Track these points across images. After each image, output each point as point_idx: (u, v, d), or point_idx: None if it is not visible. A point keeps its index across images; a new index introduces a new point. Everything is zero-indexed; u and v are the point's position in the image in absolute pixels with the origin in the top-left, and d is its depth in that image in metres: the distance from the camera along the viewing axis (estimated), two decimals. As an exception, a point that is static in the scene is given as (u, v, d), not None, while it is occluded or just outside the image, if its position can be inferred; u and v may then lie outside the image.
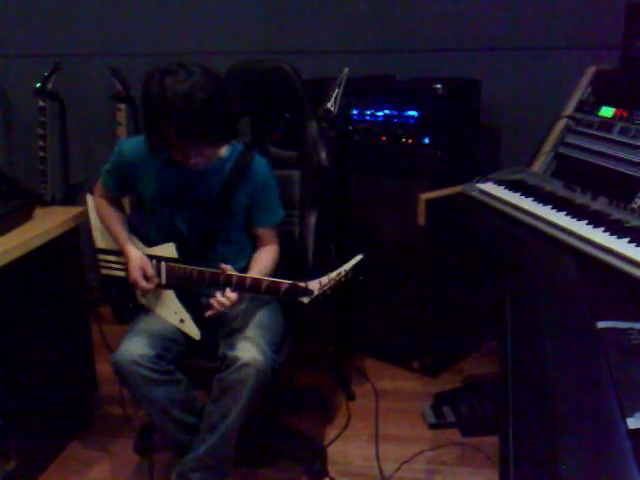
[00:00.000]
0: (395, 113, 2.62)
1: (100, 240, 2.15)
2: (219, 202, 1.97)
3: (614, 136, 2.00)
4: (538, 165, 2.21)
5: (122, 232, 2.06)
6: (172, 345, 1.94)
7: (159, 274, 2.00)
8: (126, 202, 2.28)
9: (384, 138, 2.65)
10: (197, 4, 3.10)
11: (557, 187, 2.05)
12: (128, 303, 2.09)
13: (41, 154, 3.09)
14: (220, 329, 2.00)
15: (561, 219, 1.81)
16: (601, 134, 2.05)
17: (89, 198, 2.15)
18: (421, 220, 2.44)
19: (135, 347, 1.86)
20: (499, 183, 2.15)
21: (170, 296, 2.00)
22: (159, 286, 2.00)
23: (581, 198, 1.93)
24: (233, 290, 1.83)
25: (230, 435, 1.90)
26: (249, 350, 1.83)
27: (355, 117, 2.71)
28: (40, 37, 3.24)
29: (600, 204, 1.86)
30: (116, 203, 2.13)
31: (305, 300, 1.75)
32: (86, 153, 3.37)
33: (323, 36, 2.99)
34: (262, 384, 1.84)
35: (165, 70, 1.74)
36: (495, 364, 2.69)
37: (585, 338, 1.24)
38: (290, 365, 2.10)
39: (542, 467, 0.99)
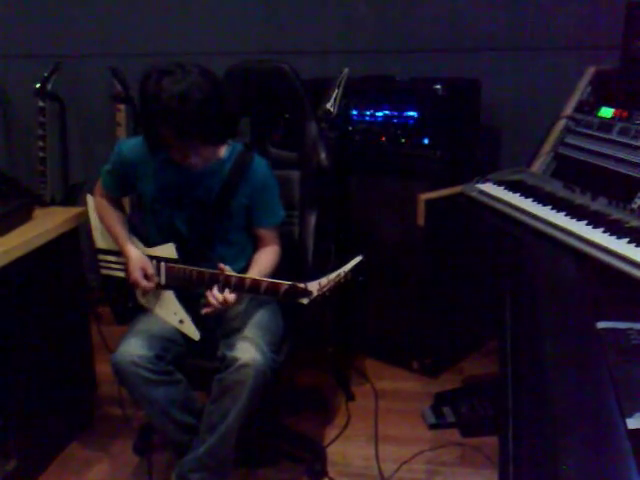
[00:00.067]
0: (395, 113, 2.62)
1: (100, 240, 2.15)
2: (218, 203, 1.97)
3: (614, 136, 2.00)
4: (538, 165, 2.20)
5: (122, 232, 2.06)
6: (171, 346, 1.94)
7: (159, 274, 2.00)
8: (126, 202, 2.29)
9: (384, 138, 2.65)
10: (197, 4, 3.10)
11: (557, 187, 2.05)
12: (128, 303, 2.09)
13: (41, 154, 3.09)
14: (219, 329, 2.00)
15: (561, 219, 1.81)
16: (601, 134, 2.05)
17: (89, 198, 2.16)
18: (421, 220, 2.44)
19: (134, 348, 1.86)
20: (499, 183, 2.15)
21: (170, 297, 1.99)
22: (159, 286, 2.00)
23: (581, 198, 1.93)
24: (232, 291, 1.83)
25: (230, 435, 1.90)
26: (248, 351, 1.83)
27: (355, 117, 2.71)
28: (40, 37, 3.24)
29: (600, 204, 1.86)
30: (116, 203, 2.13)
31: (304, 301, 1.75)
32: (86, 153, 3.37)
33: (323, 36, 2.99)
34: (261, 384, 1.83)
35: (162, 70, 1.74)
36: (495, 364, 2.69)
37: (585, 338, 1.24)
38: (290, 365, 2.10)
39: (542, 467, 0.99)
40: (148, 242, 2.06)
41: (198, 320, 1.96)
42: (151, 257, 2.01)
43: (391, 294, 2.76)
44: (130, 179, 2.03)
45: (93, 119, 3.32)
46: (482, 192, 2.13)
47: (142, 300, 2.06)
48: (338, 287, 1.74)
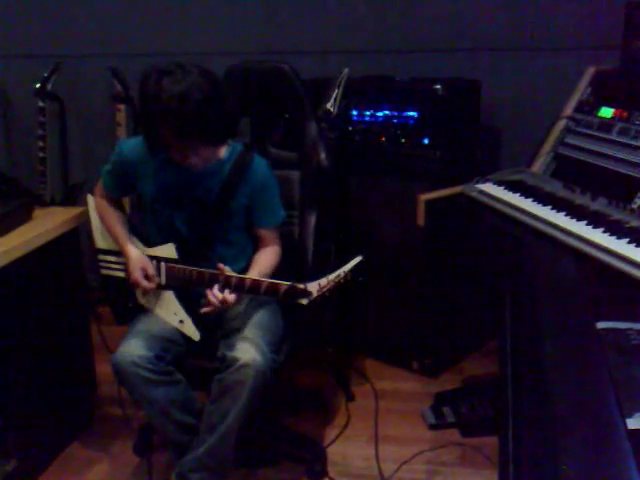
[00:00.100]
0: (395, 113, 2.62)
1: (101, 240, 2.15)
2: (218, 203, 1.97)
3: (614, 137, 2.00)
4: (538, 165, 2.20)
5: (122, 232, 2.06)
6: (171, 346, 1.94)
7: (159, 274, 2.00)
8: (126, 202, 2.29)
9: (384, 138, 2.65)
10: (197, 4, 3.10)
11: (557, 187, 2.05)
12: (128, 303, 2.09)
13: (41, 154, 3.09)
14: (219, 330, 2.00)
15: (561, 219, 1.81)
16: (601, 135, 2.05)
17: (90, 198, 2.16)
18: (421, 221, 2.44)
19: (134, 348, 1.86)
20: (499, 183, 2.15)
21: (170, 297, 1.99)
22: (159, 286, 2.00)
23: (581, 198, 1.93)
24: (232, 291, 1.83)
25: (229, 435, 1.89)
26: (248, 351, 1.83)
27: (355, 117, 2.71)
28: (40, 37, 3.24)
29: (600, 204, 1.86)
30: (116, 203, 2.13)
31: (304, 302, 1.75)
32: (86, 153, 3.37)
33: (323, 36, 2.99)
34: (261, 385, 1.83)
35: (162, 70, 1.74)
36: (495, 364, 2.69)
37: (585, 338, 1.24)
38: (290, 366, 2.10)
39: (542, 467, 0.99)
40: (148, 242, 2.06)
41: (198, 320, 1.96)
42: (151, 257, 2.01)
43: (391, 294, 2.76)
44: (130, 179, 2.03)
45: (93, 119, 3.32)
46: (482, 192, 2.13)
47: (142, 300, 2.06)
48: (338, 287, 1.74)
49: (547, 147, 2.22)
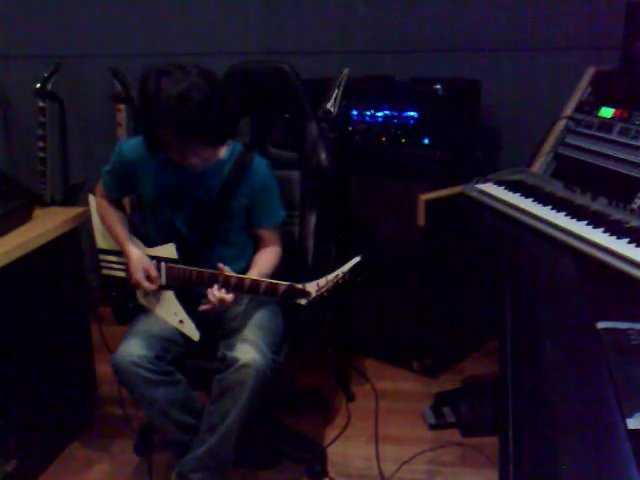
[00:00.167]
0: (395, 114, 2.62)
1: (101, 240, 2.15)
2: (218, 203, 1.97)
3: (614, 137, 2.00)
4: (538, 165, 2.21)
5: (123, 232, 2.06)
6: (171, 346, 1.94)
7: (159, 274, 2.00)
8: (126, 202, 2.29)
9: (384, 139, 2.65)
10: (197, 4, 3.10)
11: (557, 187, 2.05)
12: (128, 303, 2.09)
13: (41, 155, 3.09)
14: (219, 330, 2.00)
15: (561, 219, 1.81)
16: (601, 135, 2.05)
17: (91, 198, 2.16)
18: (421, 221, 2.44)
19: (134, 348, 1.86)
20: (499, 183, 2.15)
21: (170, 297, 1.99)
22: (159, 286, 2.00)
23: (581, 199, 1.93)
24: (232, 291, 1.84)
25: (230, 436, 1.90)
26: (248, 351, 1.83)
27: (355, 118, 2.71)
28: (40, 37, 3.24)
29: (600, 204, 1.86)
30: (117, 203, 2.13)
31: (303, 302, 1.75)
32: (86, 153, 3.36)
33: (323, 36, 2.99)
34: (261, 385, 1.84)
35: (161, 70, 1.74)
36: (495, 364, 2.69)
37: (585, 338, 1.24)
38: (290, 366, 2.10)
39: (542, 467, 0.99)
40: (148, 242, 2.06)
41: (198, 320, 1.96)
42: (151, 257, 2.01)
43: (391, 294, 2.76)
44: (130, 179, 2.03)
45: (93, 119, 3.32)
46: (482, 192, 2.13)
47: (142, 300, 2.06)
48: (336, 288, 1.74)
49: (547, 147, 2.22)
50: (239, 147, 2.01)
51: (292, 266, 2.12)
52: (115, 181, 2.07)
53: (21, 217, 2.18)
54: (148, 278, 1.98)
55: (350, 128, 2.71)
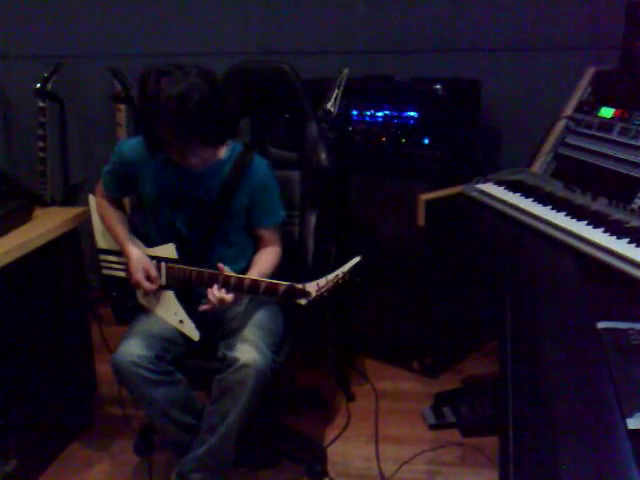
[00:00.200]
0: (395, 114, 2.62)
1: (102, 240, 2.15)
2: (218, 203, 1.97)
3: (614, 137, 2.00)
4: (538, 165, 2.20)
5: (123, 232, 2.06)
6: (171, 346, 1.94)
7: (159, 274, 2.00)
8: (126, 202, 2.29)
9: (384, 139, 2.65)
10: (197, 4, 3.10)
11: (557, 187, 2.05)
12: (128, 303, 2.09)
13: (41, 155, 3.09)
14: (219, 330, 2.00)
15: (561, 219, 1.81)
16: (601, 135, 2.05)
17: (91, 198, 2.16)
18: (421, 221, 2.44)
19: (134, 348, 1.86)
20: (499, 184, 2.15)
21: (170, 297, 1.99)
22: (159, 286, 2.00)
23: (581, 199, 1.93)
24: (232, 291, 1.84)
25: (230, 436, 1.90)
26: (248, 351, 1.83)
27: (355, 118, 2.71)
28: (40, 37, 3.24)
29: (600, 205, 1.86)
30: (117, 203, 2.13)
31: (302, 302, 1.75)
32: (86, 153, 3.36)
33: (323, 36, 2.99)
34: (261, 385, 1.84)
35: (161, 71, 1.74)
36: (495, 364, 2.69)
37: (585, 338, 1.24)
38: (290, 366, 2.10)
39: (542, 467, 0.99)
40: (148, 242, 2.06)
41: (198, 320, 1.96)
42: (151, 257, 2.01)
43: (391, 294, 2.76)
44: (131, 179, 2.03)
45: (93, 119, 3.32)
46: (482, 192, 2.13)
47: (142, 300, 2.06)
48: (336, 288, 1.74)
49: (547, 147, 2.22)
50: (239, 147, 2.01)
51: (292, 266, 2.12)
52: (115, 181, 2.07)
53: (21, 217, 2.18)
54: (148, 278, 1.98)
55: (350, 128, 2.71)
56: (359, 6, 2.94)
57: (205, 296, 1.87)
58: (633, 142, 1.93)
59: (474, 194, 2.15)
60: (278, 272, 2.00)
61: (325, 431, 2.45)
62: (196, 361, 2.00)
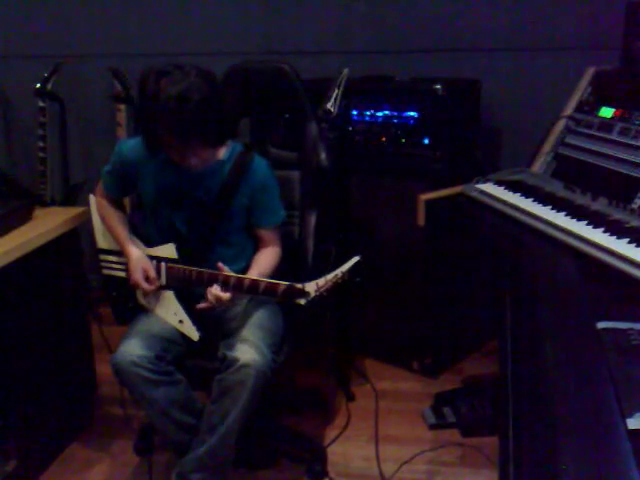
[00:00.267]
0: (395, 114, 2.62)
1: (102, 240, 2.15)
2: (218, 203, 1.97)
3: (614, 136, 2.00)
4: (538, 165, 2.20)
5: (123, 232, 2.06)
6: (171, 346, 1.94)
7: (159, 274, 2.00)
8: (126, 202, 2.29)
9: (384, 139, 2.65)
10: (197, 4, 3.10)
11: (557, 187, 2.05)
12: (128, 303, 2.09)
13: (41, 155, 3.09)
14: (219, 330, 2.00)
15: (561, 219, 1.81)
16: (601, 134, 2.05)
17: (92, 198, 2.16)
18: (421, 221, 2.44)
19: (134, 348, 1.86)
20: (499, 184, 2.15)
21: (170, 297, 2.00)
22: (159, 287, 2.00)
23: (581, 199, 1.93)
24: (231, 291, 1.84)
25: (230, 436, 1.90)
26: (248, 351, 1.83)
27: (355, 118, 2.71)
28: (40, 37, 3.24)
29: (600, 204, 1.86)
30: (117, 203, 2.13)
31: (302, 302, 1.75)
32: (86, 153, 3.37)
33: (323, 36, 2.99)
34: (261, 385, 1.84)
35: (160, 71, 1.74)
36: (495, 364, 2.69)
37: (585, 338, 1.24)
38: (290, 366, 2.10)
39: (542, 467, 0.99)
40: (148, 242, 2.06)
41: (198, 320, 1.96)
42: (151, 257, 2.01)
43: (391, 294, 2.76)
44: (131, 179, 2.03)
45: (93, 119, 3.32)
46: (482, 192, 2.13)
47: (142, 300, 2.06)
48: (336, 288, 1.74)
49: (547, 147, 2.22)
50: (239, 147, 2.01)
51: (292, 266, 2.12)
52: (115, 181, 2.07)
53: (21, 217, 2.18)
54: (147, 278, 1.98)
55: (350, 128, 2.71)
56: (359, 6, 2.94)
57: (205, 296, 1.87)
58: (633, 142, 1.93)
59: (474, 194, 2.15)
60: (278, 272, 2.00)
61: (325, 431, 2.45)
62: (196, 361, 2.00)
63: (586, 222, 1.75)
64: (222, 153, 1.98)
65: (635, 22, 2.20)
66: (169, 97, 1.69)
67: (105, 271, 2.16)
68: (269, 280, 1.84)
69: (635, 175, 1.86)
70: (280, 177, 2.12)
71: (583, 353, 1.20)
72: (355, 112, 2.70)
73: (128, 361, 1.84)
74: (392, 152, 2.64)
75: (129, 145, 2.01)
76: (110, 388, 2.51)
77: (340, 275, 1.74)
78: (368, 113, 2.68)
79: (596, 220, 1.75)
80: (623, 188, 1.85)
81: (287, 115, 2.33)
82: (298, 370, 2.61)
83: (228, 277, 1.84)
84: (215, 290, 1.84)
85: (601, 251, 1.60)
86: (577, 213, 1.82)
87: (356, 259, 1.77)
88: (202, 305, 1.88)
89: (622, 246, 1.58)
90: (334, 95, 2.48)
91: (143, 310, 2.05)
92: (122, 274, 2.08)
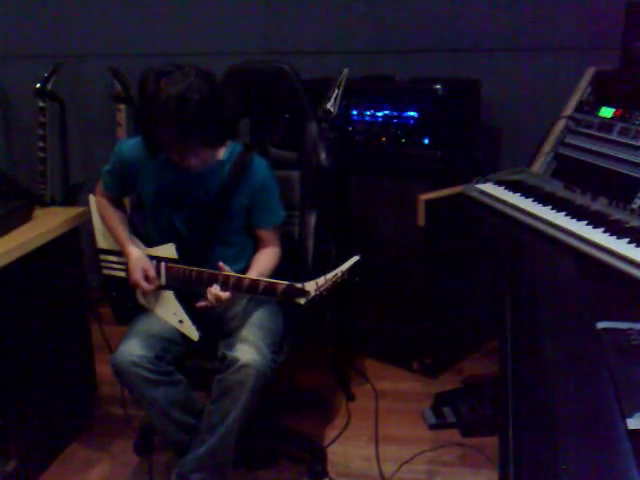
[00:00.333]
0: (395, 114, 2.62)
1: (102, 240, 2.15)
2: (218, 203, 1.97)
3: (614, 136, 2.00)
4: (538, 165, 2.20)
5: (123, 232, 2.06)
6: (171, 346, 1.94)
7: (159, 274, 2.00)
8: (126, 202, 2.29)
9: (384, 139, 2.65)
10: (197, 4, 3.10)
11: (557, 187, 2.05)
12: (128, 303, 2.09)
13: (41, 155, 3.09)
14: (219, 330, 2.00)
15: (561, 219, 1.81)
16: (601, 134, 2.05)
17: (92, 198, 2.16)
18: (421, 221, 2.44)
19: (134, 348, 1.86)
20: (499, 184, 2.15)
21: (169, 297, 2.00)
22: (159, 286, 2.00)
23: (581, 199, 1.93)
24: (231, 290, 1.84)
25: (230, 436, 1.90)
26: (248, 351, 1.83)
27: (355, 118, 2.71)
28: (40, 37, 3.24)
29: (600, 205, 1.86)
30: (117, 203, 2.13)
31: (302, 301, 1.75)
32: (86, 153, 3.37)
33: (323, 37, 2.99)
34: (261, 385, 1.84)
35: (160, 71, 1.74)
36: (495, 364, 2.70)
37: (585, 338, 1.24)
38: (290, 366, 2.10)
39: (542, 467, 0.99)
40: (148, 242, 2.06)
41: (198, 320, 1.96)
42: (151, 257, 2.01)
43: (391, 294, 2.76)
44: (130, 179, 2.03)
45: (93, 119, 3.32)
46: (482, 192, 2.13)
47: (142, 300, 2.06)
48: (335, 287, 1.74)
49: (547, 147, 2.22)
50: (239, 147, 2.01)
51: (292, 266, 2.12)
52: (115, 181, 2.07)
53: (21, 217, 2.18)
54: (146, 278, 1.98)
55: (350, 128, 2.71)
56: (359, 6, 2.94)
57: (204, 296, 1.87)
58: (633, 142, 1.93)
59: (474, 194, 2.15)
60: (278, 272, 2.00)
61: (325, 431, 2.45)
62: (196, 361, 2.00)
63: (586, 222, 1.75)
64: (222, 153, 1.98)
65: (635, 22, 2.20)
66: (169, 97, 1.69)
67: (105, 271, 2.16)
68: (269, 280, 1.84)
69: (635, 175, 1.86)
70: (280, 177, 2.12)
71: (583, 353, 1.20)
72: (355, 112, 2.70)
73: (128, 361, 1.84)
74: (392, 152, 2.64)
75: (129, 145, 2.01)
76: (110, 388, 2.51)
77: (340, 275, 1.74)
78: (368, 113, 2.68)
79: (596, 220, 1.75)
80: (623, 188, 1.85)
81: (287, 115, 2.33)
82: (298, 370, 2.62)
83: (228, 277, 1.84)
84: (215, 290, 1.84)
85: (601, 251, 1.60)
86: (577, 213, 1.82)
87: (356, 259, 1.77)
88: (202, 303, 1.88)
89: (622, 246, 1.58)
90: (334, 95, 2.48)
91: (143, 310, 2.05)
92: (122, 274, 2.08)
